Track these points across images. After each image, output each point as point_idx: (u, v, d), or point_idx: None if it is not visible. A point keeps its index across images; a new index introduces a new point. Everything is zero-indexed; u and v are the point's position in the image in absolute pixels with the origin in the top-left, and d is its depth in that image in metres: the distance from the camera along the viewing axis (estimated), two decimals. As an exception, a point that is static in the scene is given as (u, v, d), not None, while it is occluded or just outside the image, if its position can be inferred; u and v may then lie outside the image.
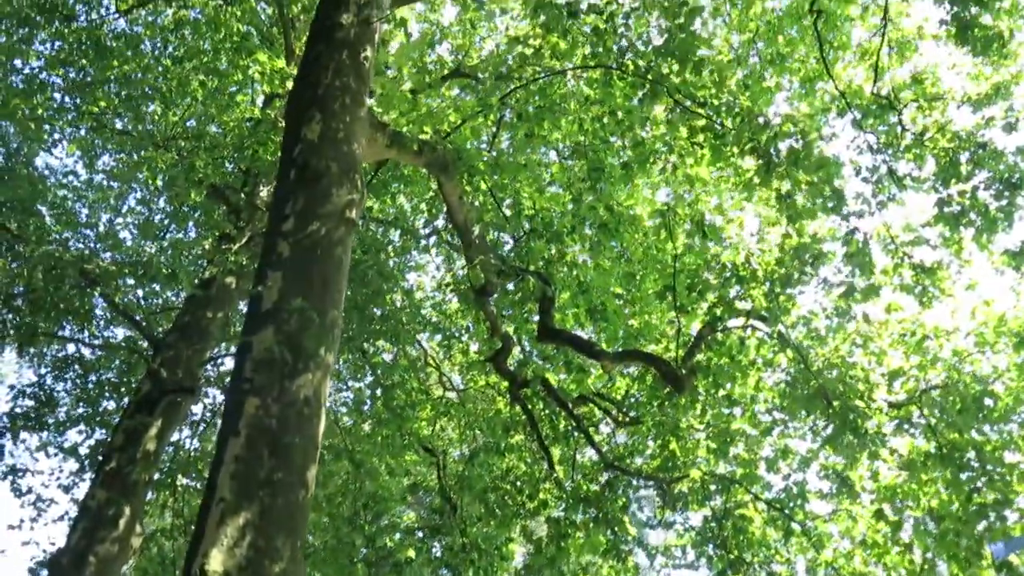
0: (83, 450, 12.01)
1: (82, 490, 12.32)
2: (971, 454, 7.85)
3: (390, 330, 10.50)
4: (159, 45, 12.61)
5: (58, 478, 12.51)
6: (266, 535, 4.34)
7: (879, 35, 8.99)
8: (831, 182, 6.74)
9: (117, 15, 12.13)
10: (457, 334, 12.69)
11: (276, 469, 4.57)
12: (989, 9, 7.68)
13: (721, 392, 9.35)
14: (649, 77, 6.83)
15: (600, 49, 7.00)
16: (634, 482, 10.60)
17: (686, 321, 9.14)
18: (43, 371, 12.83)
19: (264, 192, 11.46)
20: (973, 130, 8.31)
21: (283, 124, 10.08)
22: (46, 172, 13.23)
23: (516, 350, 10.56)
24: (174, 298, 13.11)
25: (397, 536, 12.49)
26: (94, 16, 11.93)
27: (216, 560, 4.13)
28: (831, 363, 9.05)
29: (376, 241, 10.66)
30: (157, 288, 12.50)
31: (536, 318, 9.43)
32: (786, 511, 10.10)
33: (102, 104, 11.67)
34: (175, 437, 11.50)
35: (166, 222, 13.78)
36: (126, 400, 11.69)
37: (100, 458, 9.70)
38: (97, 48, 11.36)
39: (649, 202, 11.60)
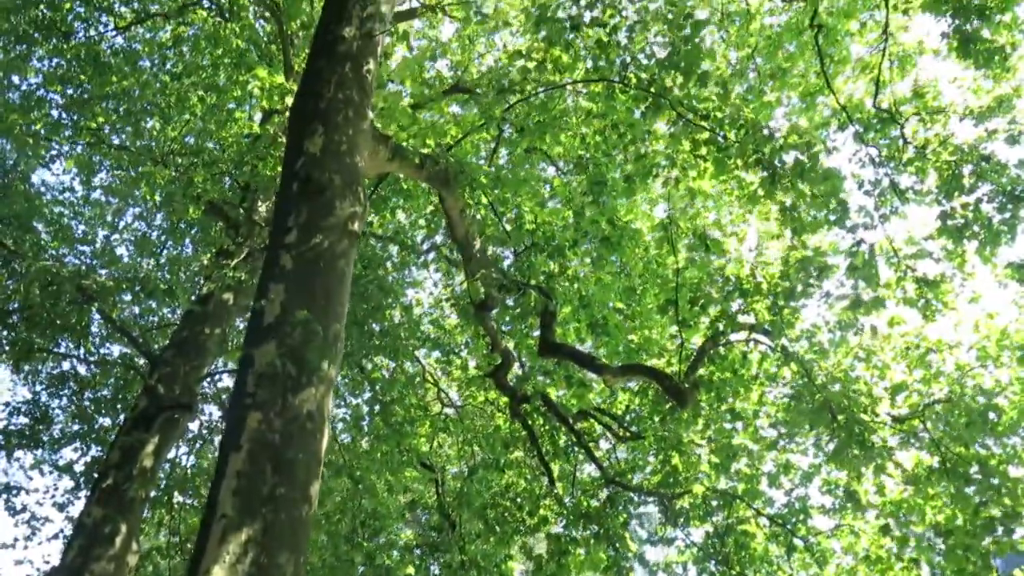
0: (78, 467, 11.90)
1: (77, 508, 12.22)
2: (975, 468, 7.79)
3: (389, 346, 10.44)
4: (157, 62, 12.60)
5: (53, 496, 12.39)
6: (269, 552, 4.26)
7: (880, 49, 9.00)
8: (836, 194, 6.72)
9: (115, 32, 12.13)
10: (456, 350, 12.62)
11: (279, 485, 4.50)
12: (989, 23, 7.70)
13: (724, 406, 9.29)
14: (652, 90, 6.81)
15: (603, 62, 6.99)
16: (635, 498, 10.52)
17: (688, 335, 9.09)
18: (38, 388, 12.74)
19: (263, 208, 11.41)
20: (975, 143, 8.30)
21: (283, 139, 10.08)
22: (42, 189, 13.19)
23: (516, 365, 10.50)
24: (170, 315, 13.04)
25: (395, 554, 12.37)
26: (92, 33, 11.93)
27: (219, 577, 4.06)
28: (833, 377, 9.01)
29: (376, 256, 10.62)
30: (153, 305, 12.44)
31: (536, 333, 9.38)
32: (788, 526, 10.02)
33: (100, 120, 11.63)
34: (172, 454, 11.42)
35: (163, 238, 13.73)
36: (122, 417, 11.60)
37: (96, 475, 9.60)
38: (95, 64, 11.34)
39: (647, 217, 11.60)
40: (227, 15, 11.94)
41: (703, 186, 8.36)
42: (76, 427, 12.42)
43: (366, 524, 11.77)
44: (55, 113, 11.82)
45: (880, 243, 7.97)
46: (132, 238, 14.06)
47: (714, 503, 10.21)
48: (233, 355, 11.11)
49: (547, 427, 10.82)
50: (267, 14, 12.32)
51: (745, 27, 10.20)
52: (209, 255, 11.36)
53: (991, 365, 9.55)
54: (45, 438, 12.33)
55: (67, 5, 11.66)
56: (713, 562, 10.19)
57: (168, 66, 12.49)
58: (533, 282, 8.78)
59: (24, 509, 12.37)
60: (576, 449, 10.76)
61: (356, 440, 12.46)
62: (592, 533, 10.08)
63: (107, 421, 12.36)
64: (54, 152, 12.27)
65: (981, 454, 8.08)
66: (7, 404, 12.58)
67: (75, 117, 11.72)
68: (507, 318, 9.46)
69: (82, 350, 12.34)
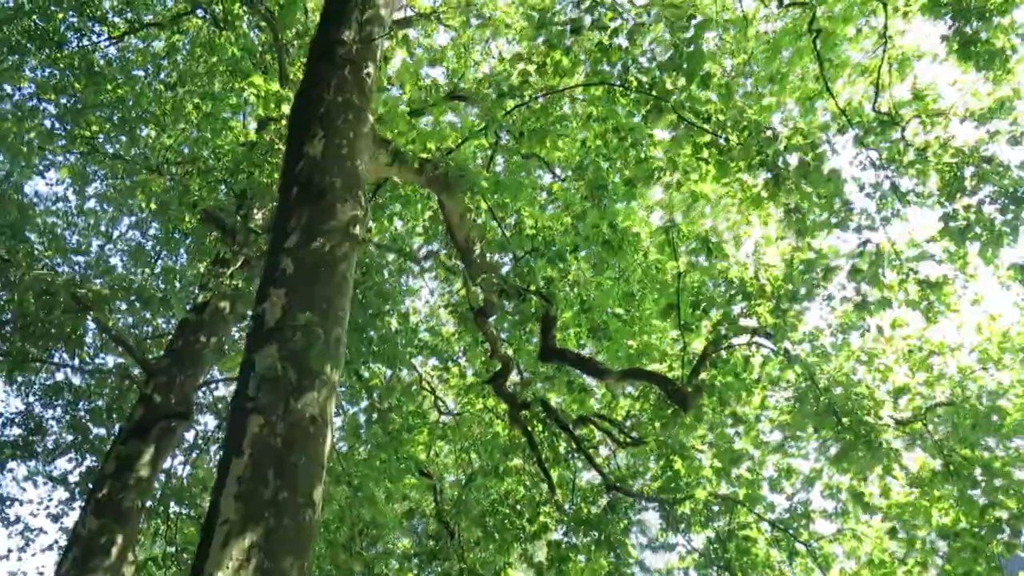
0: (72, 478, 11.80)
1: (71, 519, 12.12)
2: (979, 470, 7.77)
3: (388, 352, 10.37)
4: (151, 71, 12.56)
5: (47, 507, 12.28)
6: (273, 557, 4.20)
7: (879, 52, 9.01)
8: (841, 195, 6.70)
9: (108, 43, 12.08)
10: (453, 357, 12.56)
11: (281, 489, 4.44)
12: (988, 26, 7.71)
13: (727, 411, 9.24)
14: (653, 93, 6.78)
15: (604, 66, 6.96)
16: (636, 504, 10.46)
17: (689, 339, 9.06)
18: (31, 399, 12.63)
19: (259, 216, 11.36)
20: (977, 145, 8.30)
21: (279, 146, 10.05)
22: (35, 200, 13.12)
23: (515, 372, 10.45)
24: (164, 325, 12.96)
25: (394, 563, 12.29)
26: (86, 43, 11.87)
27: (222, 582, 3.99)
28: (836, 381, 8.98)
29: (374, 263, 10.57)
30: (148, 316, 12.35)
31: (536, 339, 9.33)
32: (790, 531, 9.97)
33: (94, 128, 11.57)
34: (167, 464, 11.33)
35: (157, 248, 13.65)
36: (117, 427, 11.49)
37: (91, 485, 9.50)
38: (89, 73, 11.28)
39: (645, 223, 11.57)
40: (221, 25, 11.89)
41: (704, 189, 8.33)
42: (71, 438, 12.30)
43: (364, 533, 11.68)
44: (48, 123, 11.76)
45: (882, 245, 7.94)
46: (126, 248, 13.98)
47: (715, 508, 10.16)
48: (231, 363, 11.06)
49: (547, 433, 10.76)
50: (262, 23, 12.28)
51: (743, 33, 10.19)
52: (206, 263, 11.29)
53: (993, 368, 9.53)
54: (39, 449, 12.21)
55: (60, 15, 11.61)
56: (715, 568, 10.13)
57: (163, 75, 12.44)
58: (533, 287, 8.74)
59: (18, 520, 12.26)
60: (576, 455, 10.69)
61: (354, 448, 12.38)
62: (593, 540, 10.02)
63: (102, 431, 12.25)
64: (48, 162, 12.19)
65: (984, 456, 8.05)
66: (0, 415, 12.47)
67: (69, 127, 11.65)
68: (506, 324, 9.42)
69: (77, 360, 12.24)
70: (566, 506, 10.60)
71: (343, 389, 12.25)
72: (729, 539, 10.00)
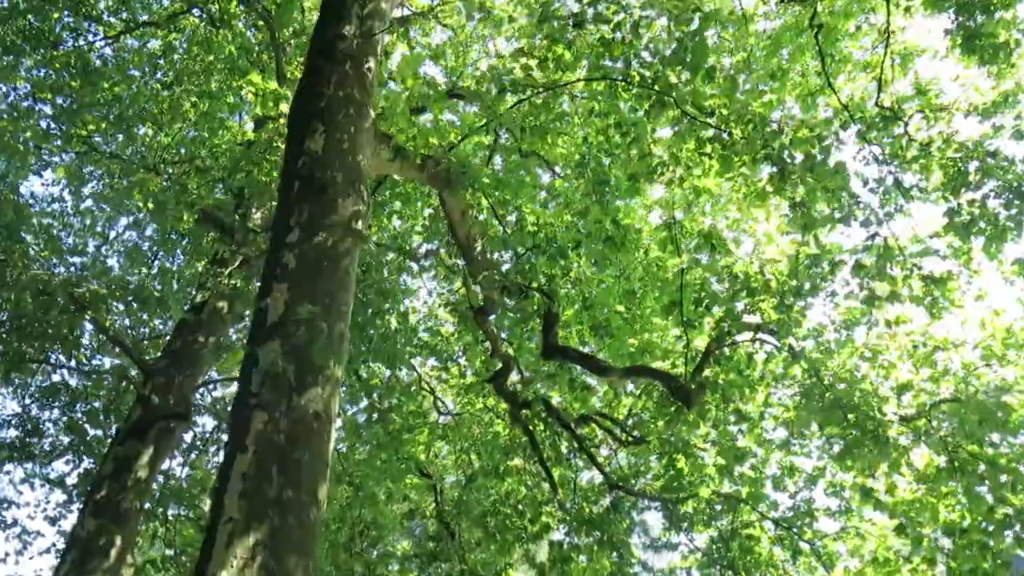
0: (70, 480, 11.72)
1: (69, 522, 12.03)
2: (985, 467, 7.72)
3: (388, 351, 10.31)
4: (148, 70, 12.49)
5: (44, 510, 12.19)
6: (277, 556, 4.14)
7: (881, 47, 8.98)
8: (847, 188, 6.66)
9: (104, 43, 12.01)
10: (453, 357, 12.51)
11: (286, 487, 4.38)
12: (990, 21, 7.67)
13: (730, 407, 9.19)
14: (656, 88, 6.73)
15: (607, 60, 6.90)
16: (639, 503, 10.41)
17: (692, 336, 9.00)
18: (28, 400, 12.54)
19: (257, 215, 11.29)
20: (980, 139, 8.27)
21: (278, 144, 9.99)
22: (31, 201, 13.04)
23: (515, 371, 10.38)
24: (161, 326, 12.88)
25: (395, 565, 12.22)
26: (81, 43, 11.79)
27: (226, 582, 3.93)
28: (839, 377, 8.93)
29: (374, 261, 10.51)
30: (145, 317, 12.27)
31: (536, 338, 9.28)
32: (794, 529, 9.93)
33: (91, 128, 11.50)
34: (165, 465, 11.24)
35: (154, 249, 13.57)
36: (115, 428, 11.41)
37: (89, 487, 9.41)
38: (85, 72, 11.21)
39: (644, 221, 11.53)
40: (218, 24, 11.83)
41: (707, 184, 8.28)
42: (68, 440, 12.20)
43: (363, 534, 11.62)
44: (44, 123, 11.68)
45: (888, 240, 7.90)
46: (123, 249, 13.90)
47: (718, 507, 10.10)
48: (231, 362, 10.98)
49: (548, 433, 10.70)
50: (259, 22, 12.22)
51: (743, 29, 10.15)
52: (204, 262, 11.22)
53: (996, 364, 9.50)
54: (36, 451, 12.12)
55: (55, 15, 11.53)
56: (718, 567, 10.08)
57: (159, 75, 12.37)
58: (535, 285, 8.68)
59: (15, 523, 12.17)
60: (578, 454, 10.63)
61: (354, 447, 12.31)
62: (595, 540, 9.95)
63: (99, 433, 12.15)
64: (43, 161, 12.11)
65: (990, 453, 8.00)
66: (-5, 417, 12.38)
67: (64, 127, 11.58)
68: (507, 322, 9.35)
69: (73, 361, 12.14)
70: (568, 505, 10.54)
71: (343, 389, 12.18)
72: (732, 538, 9.95)
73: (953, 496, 8.44)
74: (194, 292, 11.34)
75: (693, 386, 8.17)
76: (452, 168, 7.50)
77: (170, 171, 11.48)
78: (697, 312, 8.37)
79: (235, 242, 10.59)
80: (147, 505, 9.99)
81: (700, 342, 9.14)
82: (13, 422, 12.31)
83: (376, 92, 7.10)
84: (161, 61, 12.31)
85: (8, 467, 12.22)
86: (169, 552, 11.36)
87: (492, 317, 9.44)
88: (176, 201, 10.29)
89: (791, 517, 10.12)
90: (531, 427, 10.28)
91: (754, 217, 10.11)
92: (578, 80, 7.82)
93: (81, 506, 9.53)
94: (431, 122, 9.15)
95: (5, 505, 12.21)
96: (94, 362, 12.46)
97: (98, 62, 11.82)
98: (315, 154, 5.90)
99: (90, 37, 11.90)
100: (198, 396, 12.18)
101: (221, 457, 12.37)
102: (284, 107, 9.67)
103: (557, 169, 11.10)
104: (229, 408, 11.47)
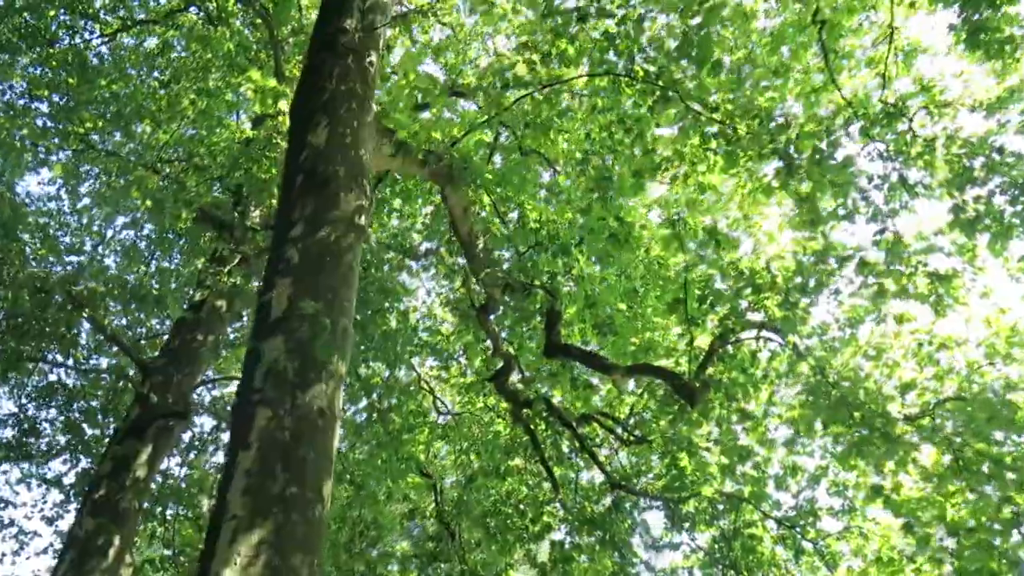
0: (68, 480, 11.64)
1: (66, 522, 11.95)
2: (991, 465, 7.68)
3: (390, 350, 10.25)
4: (145, 68, 12.43)
5: (41, 510, 12.11)
6: (282, 553, 4.07)
7: (884, 44, 8.93)
8: (855, 183, 6.61)
9: (101, 41, 11.93)
10: (454, 356, 12.44)
11: (290, 484, 4.31)
12: (994, 18, 7.63)
13: (734, 406, 9.13)
14: (660, 83, 6.68)
15: (610, 54, 6.84)
16: (641, 502, 10.35)
17: (695, 334, 8.95)
18: (24, 400, 12.45)
19: (256, 213, 11.22)
20: (985, 135, 8.22)
21: (276, 142, 9.92)
22: (28, 199, 12.97)
23: (517, 369, 10.32)
24: (159, 325, 12.81)
25: (395, 565, 12.15)
26: (78, 41, 11.73)
27: (230, 580, 3.86)
28: (843, 376, 8.89)
29: (376, 258, 10.45)
30: (143, 316, 12.20)
31: (538, 337, 9.21)
32: (796, 529, 9.88)
33: (88, 125, 11.42)
34: (164, 465, 11.17)
35: (152, 247, 13.50)
36: (112, 428, 11.34)
37: (87, 487, 9.34)
38: (82, 70, 11.14)
39: (644, 219, 11.47)
40: (215, 22, 11.77)
41: (712, 180, 8.22)
42: (65, 439, 12.12)
43: (364, 534, 11.55)
44: (41, 121, 11.61)
45: (894, 236, 7.85)
46: (120, 247, 13.83)
47: (720, 506, 10.05)
48: (230, 360, 10.92)
49: (549, 432, 10.65)
50: (257, 20, 12.16)
51: (744, 26, 10.09)
52: (203, 260, 11.16)
53: (1000, 363, 9.45)
54: (33, 451, 12.04)
55: (51, 13, 11.47)
56: (720, 567, 10.03)
57: (157, 73, 12.31)
58: (537, 282, 8.62)
59: (12, 523, 12.08)
60: (579, 454, 10.57)
61: (354, 447, 12.25)
62: (597, 539, 9.90)
63: (97, 432, 12.08)
64: (40, 159, 12.03)
65: (995, 451, 7.96)
66: (-7, 416, 12.30)
67: (61, 125, 11.50)
68: (508, 321, 9.29)
69: (71, 360, 12.06)
70: (569, 504, 10.48)
71: (343, 387, 12.10)
72: (734, 537, 9.91)
73: (960, 495, 8.40)
74: (192, 290, 11.27)
75: (697, 384, 8.11)
76: (454, 164, 7.44)
77: (168, 169, 11.42)
78: (701, 310, 8.31)
79: (234, 240, 10.52)
80: (146, 504, 9.92)
81: (703, 340, 9.09)
82: (10, 421, 12.24)
83: (378, 86, 7.04)
84: (159, 59, 12.24)
85: (5, 467, 12.16)
86: (168, 552, 11.29)
87: (493, 316, 9.38)
88: (174, 199, 10.21)
89: (794, 516, 10.08)
90: (532, 426, 10.22)
91: (761, 213, 10.05)
92: (581, 75, 7.75)
93: (79, 506, 9.46)
94: (432, 118, 9.08)
95: (2, 505, 12.13)
96: (92, 361, 12.40)
97: (95, 60, 11.76)
98: (318, 148, 5.84)
99: (87, 35, 11.84)
100: (197, 395, 12.11)
101: (220, 456, 12.37)
102: (283, 104, 9.61)
103: (558, 167, 11.03)
104: (228, 407, 11.42)
